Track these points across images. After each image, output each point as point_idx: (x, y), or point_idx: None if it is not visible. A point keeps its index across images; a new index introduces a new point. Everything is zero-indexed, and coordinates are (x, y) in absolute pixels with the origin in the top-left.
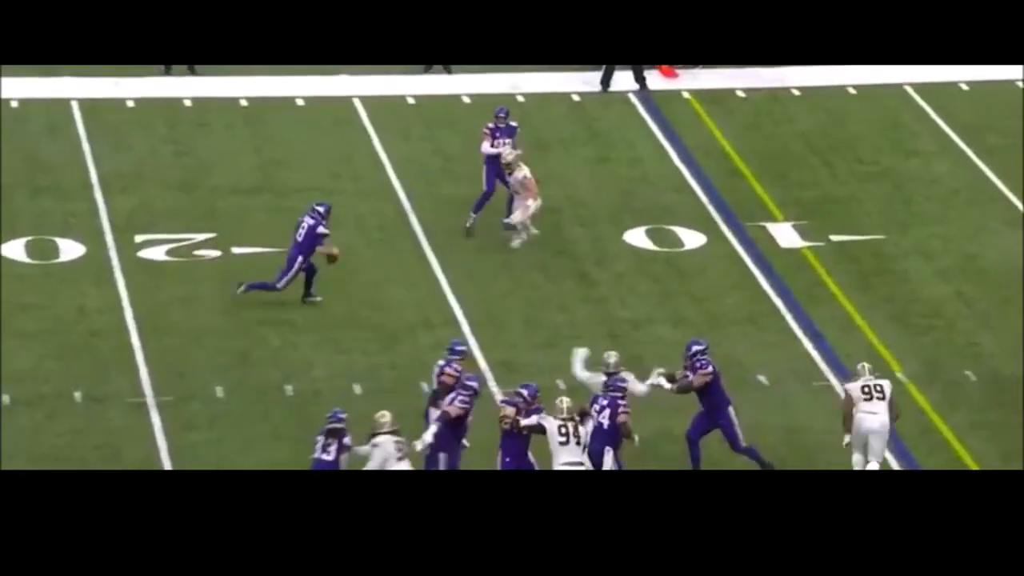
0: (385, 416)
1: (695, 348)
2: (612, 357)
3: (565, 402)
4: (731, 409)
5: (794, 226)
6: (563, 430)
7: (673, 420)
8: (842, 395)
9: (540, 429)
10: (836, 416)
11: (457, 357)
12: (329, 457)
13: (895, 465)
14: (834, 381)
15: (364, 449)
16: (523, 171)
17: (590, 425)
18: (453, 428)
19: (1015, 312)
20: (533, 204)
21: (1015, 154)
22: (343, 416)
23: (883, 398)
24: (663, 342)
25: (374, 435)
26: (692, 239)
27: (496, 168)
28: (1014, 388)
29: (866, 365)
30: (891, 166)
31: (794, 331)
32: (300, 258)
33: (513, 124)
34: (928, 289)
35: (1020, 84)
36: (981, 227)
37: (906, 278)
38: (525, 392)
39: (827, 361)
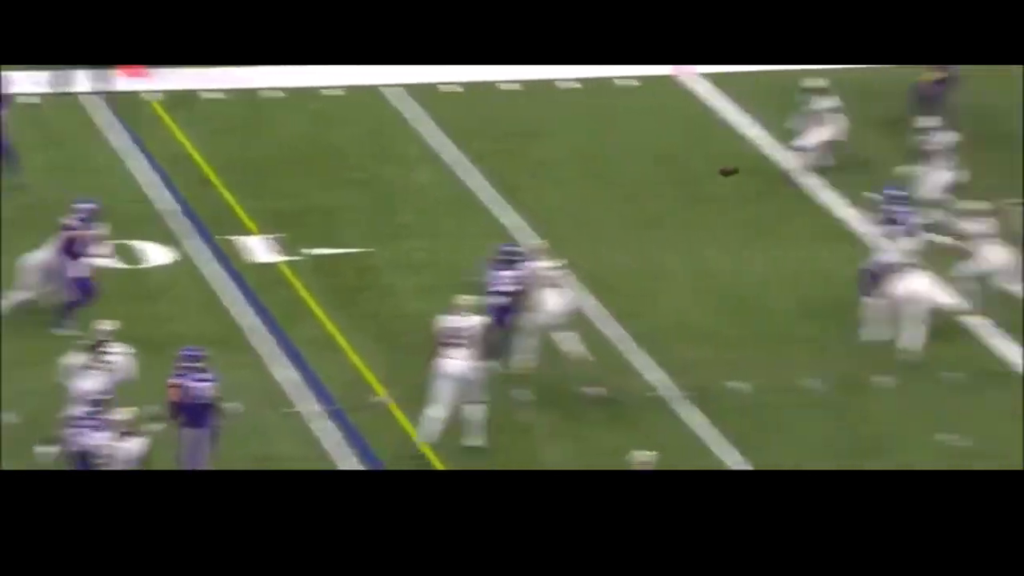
0: None
1: (181, 355)
2: (106, 324)
3: (121, 414)
4: (192, 432)
5: (270, 239)
6: None
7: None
8: None
9: None
10: (314, 446)
11: None
12: None
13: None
14: (315, 406)
15: None
16: None
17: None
18: None
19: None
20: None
21: (504, 160)
22: None
23: (464, 344)
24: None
25: None
26: (157, 254)
27: None
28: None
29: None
30: (376, 174)
31: (270, 353)
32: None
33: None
34: (414, 305)
35: (517, 86)
36: (465, 237)
37: (392, 293)
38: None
39: (307, 384)
